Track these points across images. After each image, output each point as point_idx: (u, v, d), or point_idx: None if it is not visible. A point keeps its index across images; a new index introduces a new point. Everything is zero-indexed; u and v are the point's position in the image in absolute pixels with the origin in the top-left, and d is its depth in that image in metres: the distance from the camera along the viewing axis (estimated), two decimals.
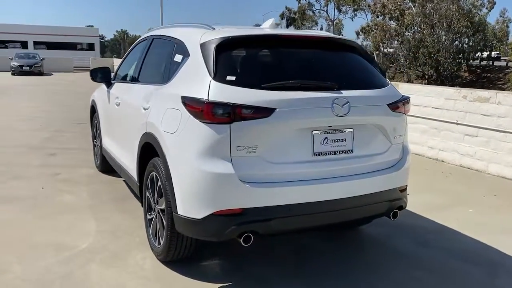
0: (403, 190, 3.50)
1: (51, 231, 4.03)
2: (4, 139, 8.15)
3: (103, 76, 5.11)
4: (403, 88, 7.95)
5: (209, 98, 2.85)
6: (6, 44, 45.13)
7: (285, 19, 55.56)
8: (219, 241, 3.07)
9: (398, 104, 3.37)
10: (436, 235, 4.23)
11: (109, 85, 5.14)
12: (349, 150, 3.16)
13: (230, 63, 3.07)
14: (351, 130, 3.16)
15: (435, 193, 5.60)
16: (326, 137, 3.08)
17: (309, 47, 3.43)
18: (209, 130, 2.84)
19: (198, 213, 2.90)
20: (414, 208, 4.83)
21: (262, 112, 2.84)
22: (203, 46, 3.16)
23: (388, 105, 3.29)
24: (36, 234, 3.94)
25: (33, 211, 4.52)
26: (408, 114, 3.54)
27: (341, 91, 3.08)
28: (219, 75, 2.96)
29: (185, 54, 3.37)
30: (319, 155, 3.05)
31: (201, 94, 2.91)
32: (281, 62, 3.40)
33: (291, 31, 3.45)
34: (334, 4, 47.83)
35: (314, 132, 3.03)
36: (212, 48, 3.08)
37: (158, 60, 4.03)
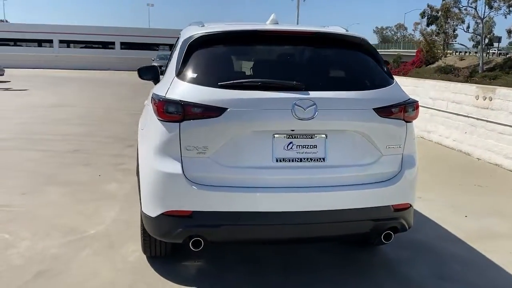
0: (402, 209, 2.99)
1: (75, 215, 4.36)
2: (104, 130, 9.10)
3: (150, 74, 5.34)
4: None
5: (166, 96, 2.79)
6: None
7: (426, 17, 51.58)
8: (180, 243, 2.99)
9: (392, 109, 2.88)
10: (466, 267, 3.53)
11: (156, 82, 5.36)
12: (320, 159, 2.81)
13: (197, 61, 2.94)
14: (324, 136, 2.80)
15: (502, 218, 4.69)
16: (291, 142, 2.78)
17: (292, 43, 3.12)
18: (162, 128, 2.78)
19: (153, 212, 2.86)
20: (463, 233, 4.14)
21: (212, 111, 2.68)
22: (183, 43, 3.10)
23: (375, 109, 2.83)
24: (61, 216, 4.31)
25: (75, 195, 4.95)
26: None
27: (310, 92, 2.74)
28: (183, 73, 2.87)
29: (173, 51, 3.36)
30: (281, 161, 2.77)
31: (163, 91, 2.86)
32: (251, 59, 3.17)
33: (275, 27, 3.10)
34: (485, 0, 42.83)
35: (275, 135, 2.76)
36: (185, 45, 2.99)
37: (168, 58, 4.08)
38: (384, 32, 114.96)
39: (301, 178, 2.78)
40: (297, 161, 2.78)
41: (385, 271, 3.45)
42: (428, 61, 34.30)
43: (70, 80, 24.05)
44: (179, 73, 2.88)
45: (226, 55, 3.08)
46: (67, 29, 48.15)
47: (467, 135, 7.50)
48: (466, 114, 7.54)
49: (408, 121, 2.98)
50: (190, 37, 3.03)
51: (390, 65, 46.30)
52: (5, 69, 22.48)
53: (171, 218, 2.78)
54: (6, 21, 69.52)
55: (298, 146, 2.78)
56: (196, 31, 3.05)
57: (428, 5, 55.07)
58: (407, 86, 9.61)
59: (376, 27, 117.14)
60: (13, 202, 4.66)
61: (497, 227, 4.41)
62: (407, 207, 3.02)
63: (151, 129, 2.90)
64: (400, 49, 65.13)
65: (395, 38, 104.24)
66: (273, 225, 2.78)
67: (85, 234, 3.93)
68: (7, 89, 17.51)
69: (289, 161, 2.77)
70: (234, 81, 2.75)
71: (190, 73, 2.85)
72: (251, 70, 3.05)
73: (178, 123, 2.72)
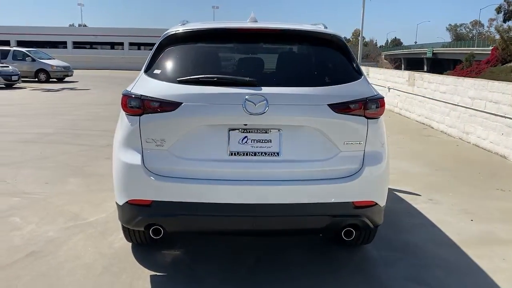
0: (365, 206, 2.94)
1: (84, 203, 4.69)
2: None
3: None
4: None
5: (130, 91, 2.96)
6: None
7: (502, 13, 48.04)
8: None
9: (349, 105, 2.85)
10: (448, 273, 3.37)
11: None
12: (274, 153, 2.84)
13: (163, 58, 3.07)
14: (278, 131, 2.84)
15: (511, 224, 4.40)
16: (245, 136, 2.84)
17: (258, 40, 3.17)
18: (126, 121, 2.95)
19: (120, 200, 3.04)
20: (460, 238, 3.98)
21: (168, 105, 2.82)
22: (157, 42, 3.26)
23: (330, 105, 2.81)
24: (71, 204, 4.65)
25: (91, 185, 5.31)
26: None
27: (263, 87, 2.79)
28: (150, 69, 3.04)
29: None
30: (235, 154, 2.84)
31: (131, 86, 3.04)
32: (215, 56, 3.23)
33: (244, 24, 3.17)
34: None
35: (231, 130, 2.84)
36: (157, 43, 3.16)
37: None
38: (458, 29, 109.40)
39: (255, 171, 2.83)
40: (252, 155, 2.84)
41: (357, 270, 3.40)
42: (504, 59, 32.10)
43: (132, 80, 25.32)
44: (147, 70, 3.05)
45: (190, 52, 3.17)
46: (136, 32, 50.56)
47: (504, 137, 7.03)
48: (503, 115, 7.07)
49: (370, 118, 2.92)
50: (162, 35, 3.19)
51: (461, 64, 43.82)
52: (76, 69, 24.16)
53: (133, 206, 2.95)
54: (85, 25, 74.56)
55: (252, 141, 2.84)
56: (170, 30, 3.20)
57: (504, 0, 50.74)
58: (448, 85, 9.17)
59: (450, 25, 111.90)
60: (34, 190, 5.09)
61: (501, 232, 4.15)
62: (370, 204, 2.97)
63: (119, 122, 3.09)
64: (475, 47, 61.74)
65: (470, 35, 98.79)
66: (228, 216, 2.85)
67: (85, 221, 4.22)
68: (72, 89, 18.83)
69: (244, 154, 2.84)
70: (191, 77, 2.87)
71: (155, 70, 3.01)
72: (213, 66, 3.14)
73: (139, 117, 2.88)
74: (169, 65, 3.04)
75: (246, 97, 2.75)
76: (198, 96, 2.80)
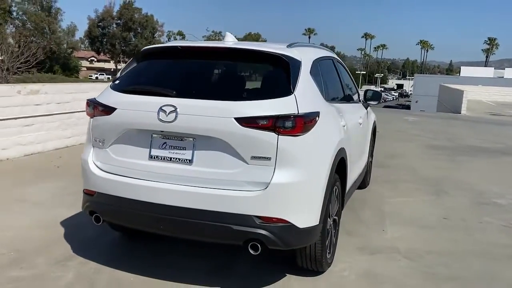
0: (273, 223, 2.95)
1: None
2: None
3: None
4: None
5: (95, 98, 3.51)
6: None
7: None
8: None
9: (257, 121, 2.91)
10: None
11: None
12: (187, 160, 3.07)
13: (126, 71, 3.57)
14: (192, 139, 3.05)
15: None
16: (165, 142, 3.13)
17: (197, 57, 3.50)
18: (88, 123, 3.50)
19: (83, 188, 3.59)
20: None
21: (107, 110, 3.28)
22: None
23: (236, 119, 2.92)
24: None
25: None
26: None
27: (178, 98, 3.06)
28: (113, 81, 3.57)
29: None
30: (155, 158, 3.14)
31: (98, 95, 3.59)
32: (154, 70, 3.57)
33: (195, 43, 3.50)
34: None
35: (153, 135, 3.15)
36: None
37: None
38: None
39: (169, 175, 3.09)
40: (168, 160, 3.11)
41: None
42: None
43: None
44: (114, 80, 3.57)
45: (140, 67, 3.57)
46: None
47: None
48: None
49: (283, 135, 2.93)
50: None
51: None
52: None
53: (85, 194, 3.46)
54: None
55: (170, 146, 3.11)
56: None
57: None
58: None
59: None
60: None
61: None
62: (281, 223, 2.96)
63: None
64: None
65: None
66: (143, 213, 3.15)
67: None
68: None
69: (161, 159, 3.13)
70: (126, 87, 3.32)
71: (116, 81, 3.55)
72: (149, 78, 3.50)
73: (91, 119, 3.40)
74: (123, 77, 3.54)
75: (161, 106, 3.05)
76: (127, 103, 3.21)
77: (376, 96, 5.38)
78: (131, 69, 3.56)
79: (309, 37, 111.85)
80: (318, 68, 3.72)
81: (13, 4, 52.07)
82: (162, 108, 3.04)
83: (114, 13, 65.23)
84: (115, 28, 65.08)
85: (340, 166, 3.59)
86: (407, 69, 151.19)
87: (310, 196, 3.10)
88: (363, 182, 5.97)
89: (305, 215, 3.08)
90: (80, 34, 79.90)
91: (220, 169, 3.00)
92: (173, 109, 3.02)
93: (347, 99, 4.63)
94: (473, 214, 5.37)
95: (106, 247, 4.01)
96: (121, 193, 3.20)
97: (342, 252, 4.01)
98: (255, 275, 3.55)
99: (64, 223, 4.43)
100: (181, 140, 3.09)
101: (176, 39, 78.69)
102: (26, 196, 5.24)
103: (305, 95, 3.18)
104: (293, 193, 2.99)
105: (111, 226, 3.96)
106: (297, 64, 3.28)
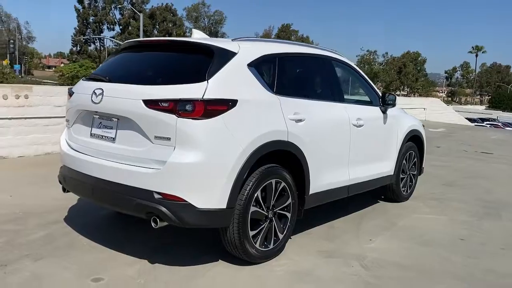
0: (170, 200, 3.14)
1: None
2: None
3: None
4: None
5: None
6: None
7: None
8: None
9: (159, 103, 3.14)
10: None
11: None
12: (112, 138, 3.45)
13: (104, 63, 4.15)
14: (116, 120, 3.42)
15: None
16: (100, 122, 3.57)
17: (148, 49, 3.89)
18: None
19: None
20: None
21: (70, 94, 3.88)
22: None
23: (144, 101, 3.19)
24: None
25: None
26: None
27: (108, 83, 3.49)
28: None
29: None
30: (93, 136, 3.60)
31: None
32: (115, 61, 4.00)
33: (148, 39, 3.88)
34: None
35: (94, 116, 3.61)
36: None
37: None
38: None
39: (100, 151, 3.51)
40: (100, 138, 3.54)
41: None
42: None
43: None
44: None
45: (110, 58, 4.13)
46: None
47: None
48: None
49: (183, 117, 3.10)
50: None
51: None
52: None
53: (61, 168, 4.07)
54: None
55: (103, 126, 3.53)
56: None
57: None
58: None
59: None
60: None
61: None
62: (178, 200, 3.12)
63: None
64: None
65: None
66: (85, 184, 3.61)
67: None
68: None
69: (97, 137, 3.57)
70: (89, 76, 3.85)
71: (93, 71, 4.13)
72: (103, 67, 4.04)
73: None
74: (97, 68, 4.10)
75: (94, 89, 3.50)
76: (79, 87, 3.80)
77: (391, 98, 5.08)
78: (105, 62, 4.15)
79: (476, 55, 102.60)
80: (271, 63, 3.77)
81: None
82: (94, 91, 3.49)
83: (273, 36, 69.41)
84: None
85: (285, 160, 3.70)
86: None
87: (211, 178, 3.18)
88: (395, 195, 5.55)
89: (205, 196, 3.18)
90: None
91: (133, 147, 3.31)
92: (101, 91, 3.44)
93: (332, 98, 4.44)
94: (507, 241, 4.57)
95: (95, 222, 4.54)
96: (72, 166, 3.73)
97: (297, 250, 3.91)
98: (190, 255, 3.70)
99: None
100: (110, 120, 3.48)
101: None
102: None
103: (226, 84, 3.30)
104: (191, 173, 3.13)
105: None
106: (227, 54, 3.41)
